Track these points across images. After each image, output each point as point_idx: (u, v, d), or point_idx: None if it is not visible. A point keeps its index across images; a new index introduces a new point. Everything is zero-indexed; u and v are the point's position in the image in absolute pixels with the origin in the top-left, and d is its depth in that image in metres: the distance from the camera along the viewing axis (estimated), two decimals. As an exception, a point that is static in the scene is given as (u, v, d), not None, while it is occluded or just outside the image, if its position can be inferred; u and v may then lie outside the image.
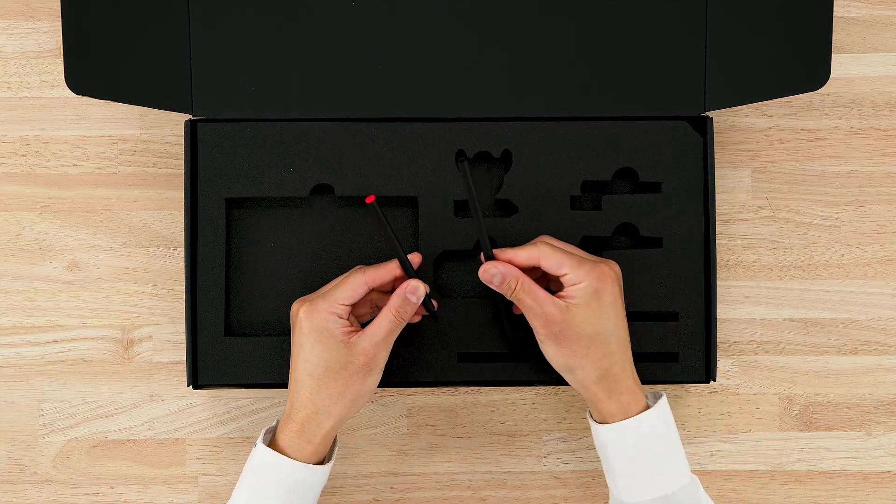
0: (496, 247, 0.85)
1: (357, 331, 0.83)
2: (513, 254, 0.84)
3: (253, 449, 0.84)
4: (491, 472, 0.98)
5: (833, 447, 0.98)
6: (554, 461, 0.98)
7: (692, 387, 0.97)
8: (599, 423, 0.84)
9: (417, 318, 0.89)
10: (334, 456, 0.86)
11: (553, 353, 0.84)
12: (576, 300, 0.82)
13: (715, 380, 0.92)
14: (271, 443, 0.85)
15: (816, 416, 0.98)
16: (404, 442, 0.98)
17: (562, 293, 0.83)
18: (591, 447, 0.97)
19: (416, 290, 0.84)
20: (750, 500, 0.97)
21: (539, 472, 0.98)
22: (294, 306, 0.84)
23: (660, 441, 0.83)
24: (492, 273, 0.84)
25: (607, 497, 0.97)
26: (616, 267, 0.84)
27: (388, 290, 0.86)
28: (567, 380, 0.85)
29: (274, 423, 0.87)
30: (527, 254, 0.84)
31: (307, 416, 0.83)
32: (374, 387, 0.84)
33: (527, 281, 0.83)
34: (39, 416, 0.97)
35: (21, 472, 0.97)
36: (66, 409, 0.97)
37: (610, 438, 0.83)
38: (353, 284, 0.83)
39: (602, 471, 0.97)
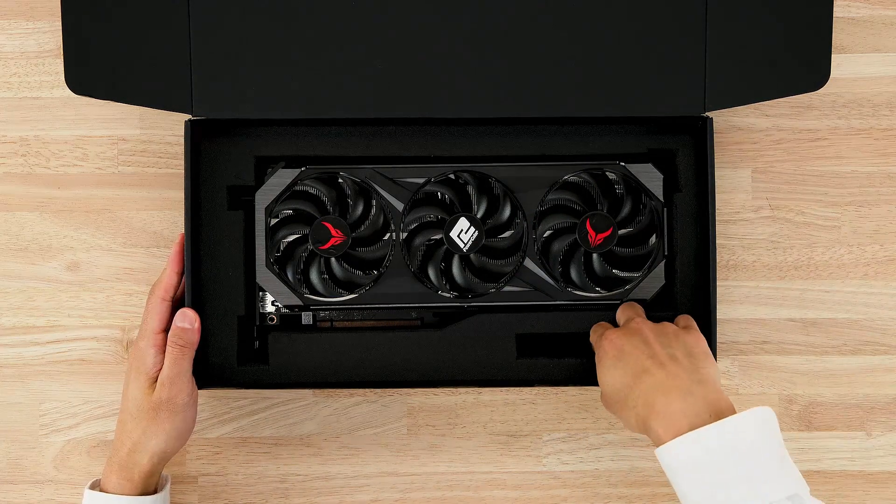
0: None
1: None
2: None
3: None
4: (491, 472, 0.98)
5: (833, 447, 0.98)
6: (554, 461, 0.98)
7: (692, 387, 0.97)
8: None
9: None
10: (167, 488, 0.89)
11: None
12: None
13: (715, 380, 0.92)
14: (98, 489, 0.88)
15: (816, 416, 0.98)
16: (404, 442, 0.98)
17: None
18: (591, 447, 0.97)
19: (184, 315, 0.87)
20: (750, 500, 0.97)
21: (539, 472, 0.98)
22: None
23: (723, 463, 0.76)
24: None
25: (607, 497, 0.97)
26: (614, 332, 0.88)
27: (180, 293, 0.90)
28: None
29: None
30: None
31: (125, 454, 0.87)
32: (188, 423, 0.88)
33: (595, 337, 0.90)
34: (39, 416, 0.97)
35: (21, 472, 0.97)
36: (66, 409, 0.97)
37: (663, 460, 0.80)
38: (155, 308, 0.88)
39: (602, 470, 0.97)
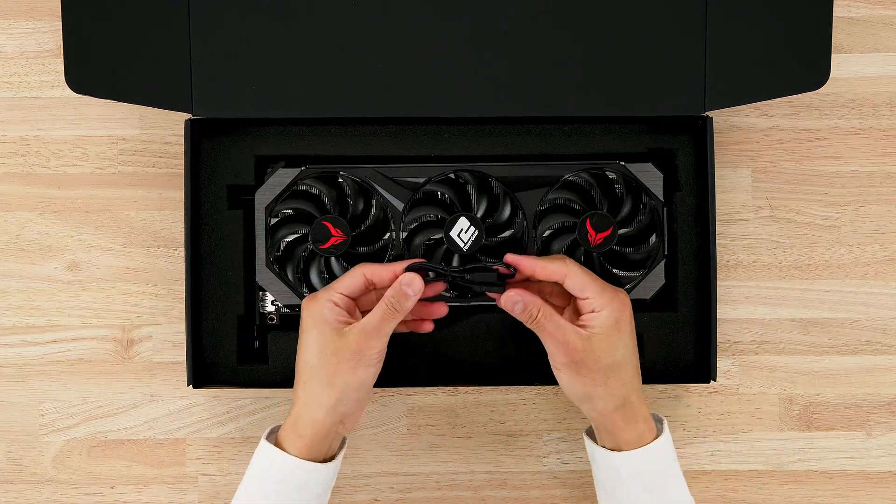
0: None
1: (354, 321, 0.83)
2: (539, 266, 0.83)
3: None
4: (491, 472, 0.98)
5: (833, 447, 0.98)
6: (554, 461, 0.98)
7: (692, 387, 0.97)
8: (612, 450, 0.84)
9: (430, 328, 0.87)
10: (339, 457, 0.85)
11: (570, 382, 0.83)
12: (596, 329, 0.82)
13: (715, 380, 0.92)
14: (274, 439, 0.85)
15: (816, 416, 0.98)
16: (404, 442, 0.98)
17: (582, 321, 0.83)
18: (591, 447, 0.97)
19: (411, 282, 0.82)
20: (750, 500, 0.97)
21: (539, 472, 0.98)
22: (302, 302, 0.85)
23: (669, 466, 0.84)
24: (514, 301, 0.82)
25: (607, 497, 0.97)
26: (627, 296, 0.84)
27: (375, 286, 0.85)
28: (582, 409, 0.85)
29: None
30: (553, 268, 0.83)
31: (300, 407, 0.83)
32: (368, 381, 0.82)
33: (548, 309, 0.82)
34: (39, 416, 0.97)
35: (21, 472, 0.97)
36: (66, 409, 0.97)
37: (628, 465, 0.83)
38: (352, 275, 0.84)
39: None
